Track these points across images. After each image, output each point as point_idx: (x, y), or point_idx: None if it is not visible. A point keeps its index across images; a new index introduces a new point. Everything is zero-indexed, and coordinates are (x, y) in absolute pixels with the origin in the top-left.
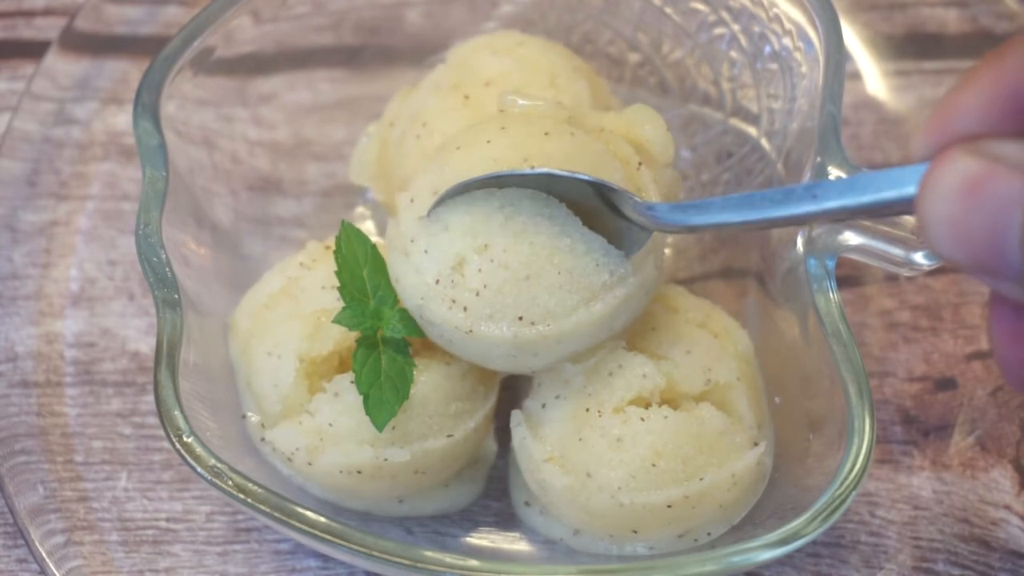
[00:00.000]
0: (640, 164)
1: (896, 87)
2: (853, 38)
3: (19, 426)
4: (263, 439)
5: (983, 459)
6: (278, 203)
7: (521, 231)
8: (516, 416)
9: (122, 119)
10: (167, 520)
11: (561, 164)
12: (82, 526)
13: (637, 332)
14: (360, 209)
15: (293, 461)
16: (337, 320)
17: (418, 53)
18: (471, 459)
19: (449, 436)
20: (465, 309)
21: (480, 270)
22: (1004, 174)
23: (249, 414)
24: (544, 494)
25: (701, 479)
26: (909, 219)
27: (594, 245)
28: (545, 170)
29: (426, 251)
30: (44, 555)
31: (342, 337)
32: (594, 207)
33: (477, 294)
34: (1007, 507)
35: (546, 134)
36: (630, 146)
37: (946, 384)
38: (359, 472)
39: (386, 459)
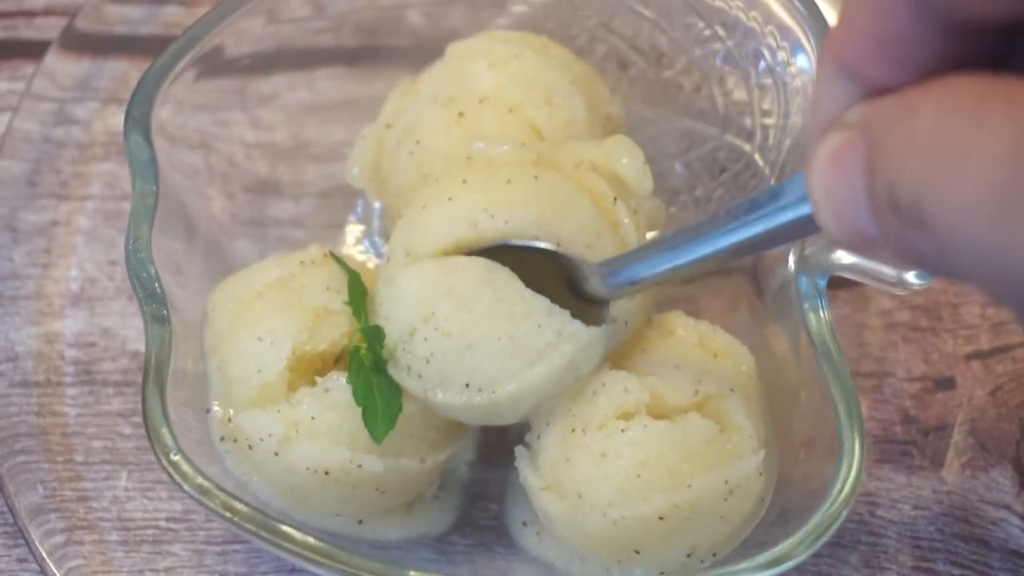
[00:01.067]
0: (616, 199)
1: None
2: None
3: (19, 426)
4: (222, 437)
5: (983, 459)
6: (276, 205)
7: (462, 299)
8: (520, 451)
9: (122, 119)
10: (167, 520)
11: (523, 211)
12: (82, 526)
13: (626, 354)
14: (351, 225)
15: (256, 450)
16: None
17: (418, 54)
18: (420, 493)
19: (421, 461)
20: (419, 376)
21: (426, 339)
22: (851, 140)
23: (215, 406)
24: (549, 524)
25: (689, 486)
26: None
27: (535, 307)
28: (501, 243)
29: (386, 317)
30: (44, 555)
31: (338, 339)
32: (557, 276)
33: (427, 362)
34: (1007, 507)
35: (508, 182)
36: (605, 180)
37: (945, 384)
38: (326, 472)
39: (359, 465)
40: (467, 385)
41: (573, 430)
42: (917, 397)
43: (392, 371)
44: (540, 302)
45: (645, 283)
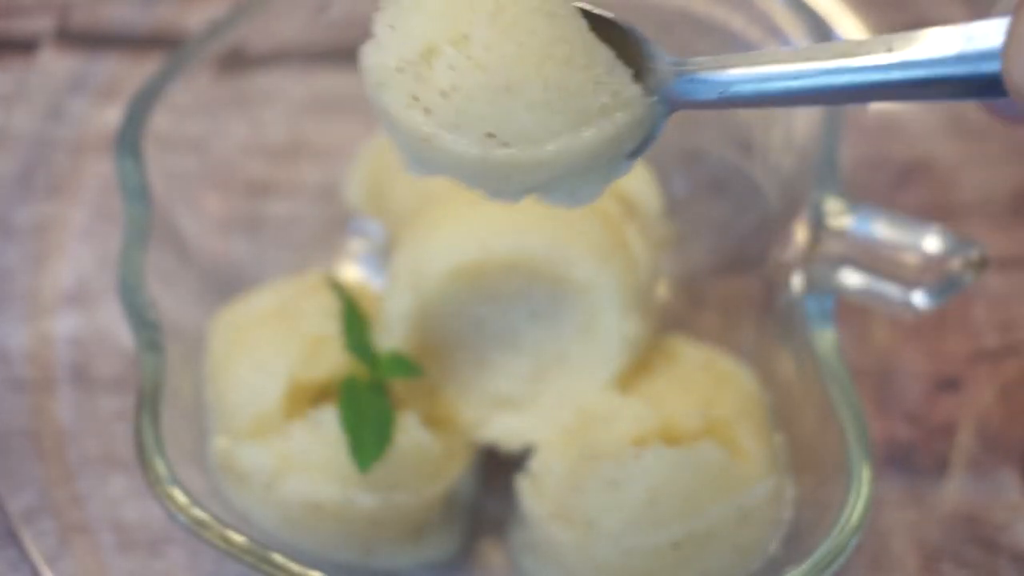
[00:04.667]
0: (624, 218)
1: None
2: (855, 34)
3: (11, 426)
4: (221, 467)
5: (989, 459)
6: (273, 204)
7: (511, 26)
8: (520, 479)
9: (116, 116)
10: (162, 522)
11: (534, 231)
12: (76, 528)
13: (632, 379)
14: (352, 241)
15: (250, 482)
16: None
17: None
18: (422, 525)
19: (416, 495)
20: (427, 111)
21: (452, 67)
22: None
23: (214, 436)
24: (554, 552)
25: (704, 514)
26: (910, 259)
27: (597, 58)
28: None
29: (391, 26)
30: (37, 557)
31: (336, 367)
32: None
33: (444, 96)
34: (1014, 508)
35: None
36: (613, 198)
37: (951, 383)
38: (318, 507)
39: (350, 500)
40: (490, 135)
41: (583, 457)
42: (922, 397)
43: (388, 99)
44: (603, 52)
45: (739, 102)
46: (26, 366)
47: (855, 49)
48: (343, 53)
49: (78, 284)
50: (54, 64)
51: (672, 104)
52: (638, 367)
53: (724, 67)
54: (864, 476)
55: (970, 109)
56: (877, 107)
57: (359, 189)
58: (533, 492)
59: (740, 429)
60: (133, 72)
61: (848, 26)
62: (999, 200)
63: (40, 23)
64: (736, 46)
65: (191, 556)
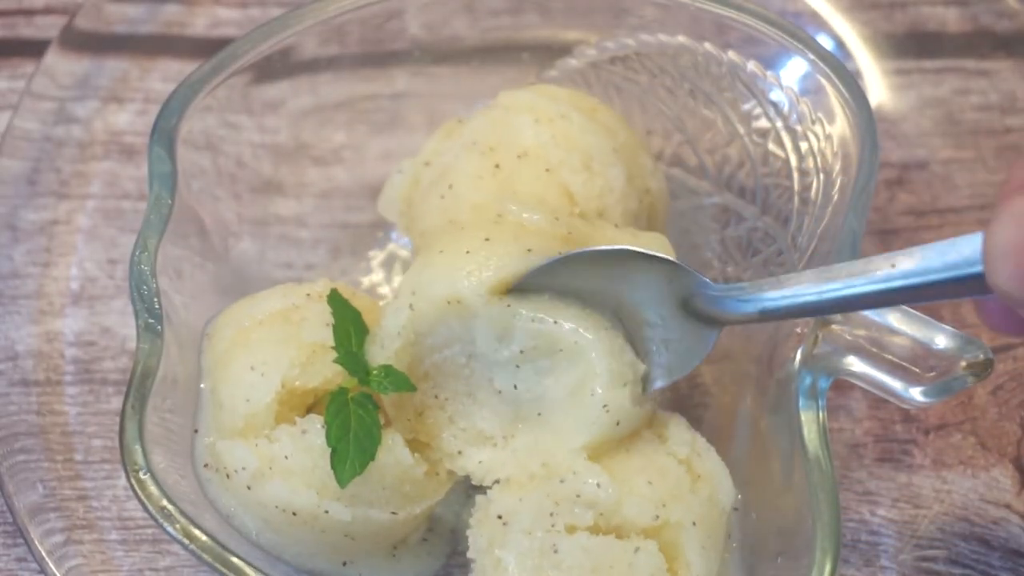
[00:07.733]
0: None
1: (896, 86)
2: (853, 37)
3: (19, 425)
4: (206, 464)
5: (983, 458)
6: (279, 204)
7: None
8: (478, 502)
9: (123, 118)
10: None
11: None
12: (82, 525)
13: (607, 450)
14: (372, 252)
15: (233, 481)
16: (338, 360)
17: (421, 58)
18: (404, 538)
19: (393, 514)
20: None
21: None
22: None
23: (202, 432)
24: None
25: None
26: (916, 352)
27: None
28: (622, 248)
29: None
30: (43, 554)
31: (330, 377)
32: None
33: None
34: (1007, 506)
35: (529, 251)
36: None
37: None
38: (294, 514)
39: (326, 511)
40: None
41: (537, 507)
42: None
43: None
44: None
45: (776, 315)
46: (33, 365)
47: (865, 268)
48: (347, 59)
49: (84, 284)
50: (61, 66)
51: (721, 322)
52: (621, 440)
53: (760, 290)
54: (827, 566)
55: (964, 111)
56: (877, 110)
57: (395, 203)
58: (483, 517)
59: (690, 539)
60: (140, 74)
61: (845, 29)
62: (993, 202)
63: (47, 25)
64: (784, 112)
65: None
